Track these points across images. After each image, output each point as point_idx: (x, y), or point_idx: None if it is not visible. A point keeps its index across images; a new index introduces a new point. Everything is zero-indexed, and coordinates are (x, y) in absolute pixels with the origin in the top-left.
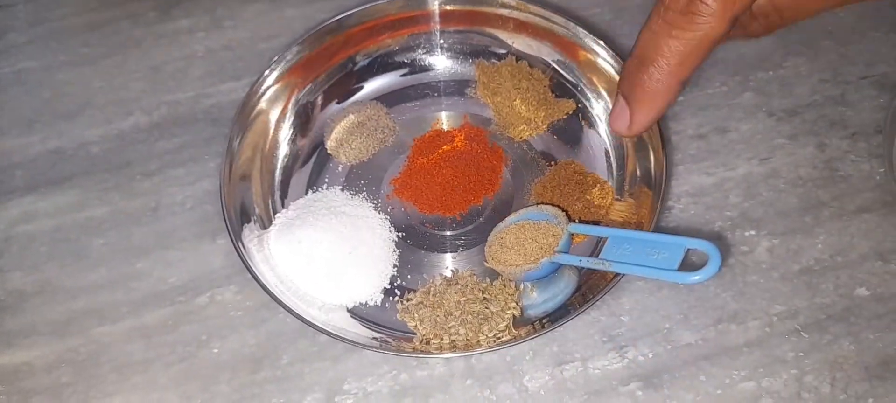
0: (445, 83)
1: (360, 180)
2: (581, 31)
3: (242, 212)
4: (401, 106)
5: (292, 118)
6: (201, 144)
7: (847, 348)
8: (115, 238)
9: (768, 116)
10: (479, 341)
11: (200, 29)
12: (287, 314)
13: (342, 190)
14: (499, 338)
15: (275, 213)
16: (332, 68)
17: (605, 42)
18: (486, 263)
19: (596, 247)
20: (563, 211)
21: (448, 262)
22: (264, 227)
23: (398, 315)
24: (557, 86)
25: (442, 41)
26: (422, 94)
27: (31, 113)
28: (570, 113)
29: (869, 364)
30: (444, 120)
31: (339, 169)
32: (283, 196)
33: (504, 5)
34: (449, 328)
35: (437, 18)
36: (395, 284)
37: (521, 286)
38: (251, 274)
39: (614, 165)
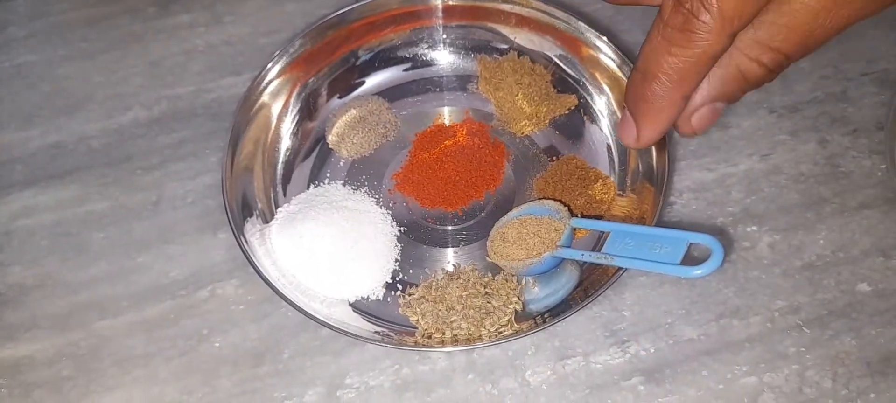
0: (447, 78)
1: (362, 175)
2: (583, 27)
3: (244, 206)
4: (402, 101)
5: (294, 112)
6: (201, 139)
7: (849, 343)
8: (115, 232)
9: (769, 113)
10: (480, 335)
11: (200, 24)
12: (289, 308)
13: (344, 184)
14: (500, 333)
15: (277, 207)
16: (333, 62)
17: (607, 38)
18: (487, 258)
19: (598, 242)
20: (565, 205)
21: (450, 257)
22: (266, 221)
23: (400, 309)
24: (559, 81)
25: (444, 36)
26: (423, 89)
27: (30, 107)
28: (572, 108)
29: (870, 360)
30: (446, 115)
31: (341, 163)
32: (285, 190)
33: (507, 0)
34: (451, 322)
35: (439, 13)
36: (397, 279)
37: (523, 280)
38: (253, 267)
39: (616, 161)
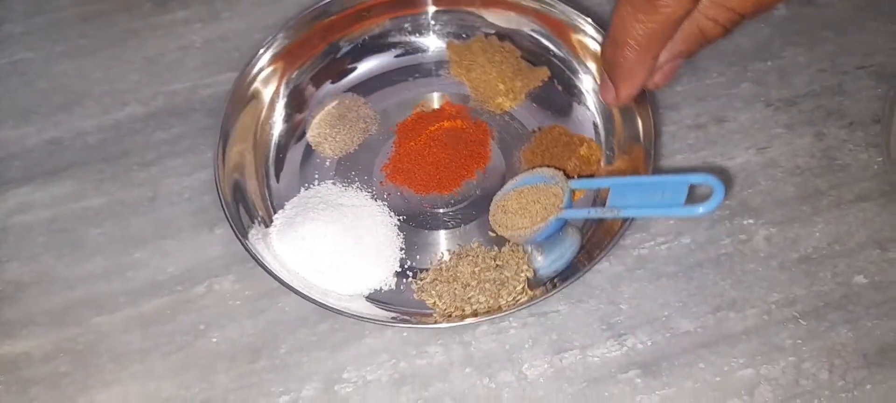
0: (418, 67)
1: (350, 171)
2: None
3: (242, 202)
4: (377, 94)
5: (280, 107)
6: (198, 134)
7: (845, 335)
8: (112, 228)
9: (766, 106)
10: (499, 306)
11: (197, 20)
12: (286, 303)
13: (334, 183)
14: (518, 301)
15: (271, 201)
16: (305, 64)
17: (569, 5)
18: (491, 233)
19: (593, 203)
20: (559, 170)
21: (453, 237)
22: (263, 222)
23: (415, 294)
24: (529, 55)
25: (408, 26)
26: (396, 81)
27: (27, 103)
28: (546, 80)
29: (867, 352)
30: (424, 102)
31: (328, 163)
32: (278, 176)
33: None
34: (469, 298)
35: (407, 4)
36: (406, 266)
37: (529, 248)
38: (268, 271)
39: (600, 124)
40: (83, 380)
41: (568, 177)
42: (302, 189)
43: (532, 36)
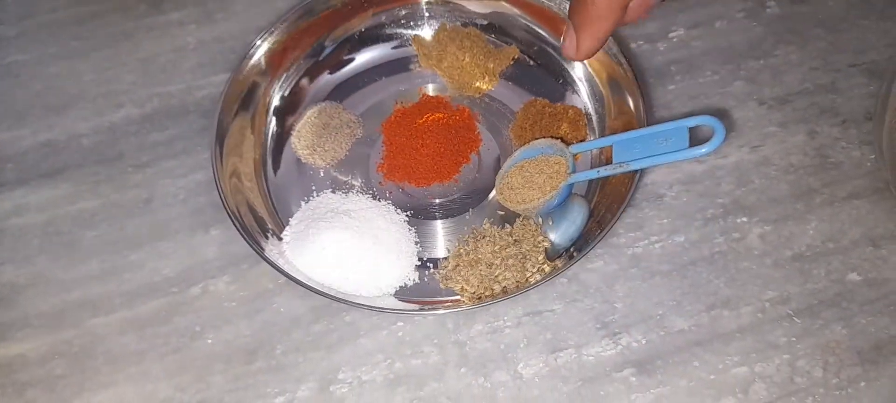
0: (387, 65)
1: (346, 177)
2: None
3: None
4: (352, 98)
5: (268, 115)
6: (193, 136)
7: (839, 332)
8: (107, 230)
9: (759, 104)
10: (527, 279)
11: (191, 21)
12: (281, 304)
13: (333, 192)
14: (544, 270)
15: (274, 204)
16: (281, 76)
17: None
18: (499, 212)
19: (597, 164)
20: (556, 139)
21: (463, 223)
22: (277, 236)
23: (441, 283)
24: (493, 36)
25: (362, 29)
26: (367, 82)
27: (21, 106)
28: (516, 58)
29: (861, 349)
30: (401, 99)
31: (321, 173)
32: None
33: None
34: (497, 277)
35: (366, 4)
36: (424, 259)
37: (540, 220)
38: (295, 281)
39: (585, 91)
40: (79, 383)
41: (566, 143)
42: (302, 202)
43: (491, 18)
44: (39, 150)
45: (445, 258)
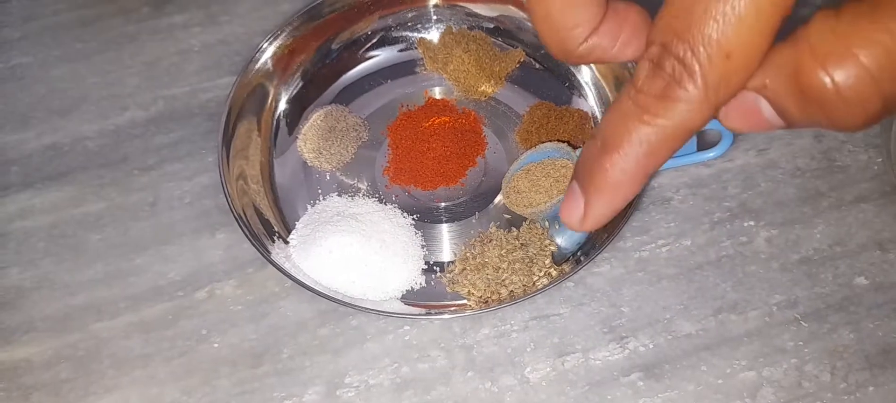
0: (392, 68)
1: (353, 180)
2: None
3: (247, 206)
4: (358, 101)
5: (273, 120)
6: (198, 139)
7: (847, 337)
8: (112, 233)
9: None
10: (534, 283)
11: (195, 24)
12: (287, 307)
13: (339, 195)
14: (551, 274)
15: (280, 208)
16: (287, 78)
17: None
18: (506, 215)
19: None
20: (563, 142)
21: (470, 226)
22: (283, 239)
23: (447, 287)
24: (499, 39)
25: (368, 32)
26: (372, 85)
27: (25, 108)
28: (521, 61)
29: (869, 353)
30: (406, 101)
31: (328, 177)
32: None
33: None
34: (503, 281)
35: (373, 7)
36: (430, 263)
37: (546, 223)
38: (304, 285)
39: (591, 95)
40: (85, 387)
41: (573, 146)
42: (308, 205)
43: (497, 21)
44: (44, 153)
45: (452, 262)
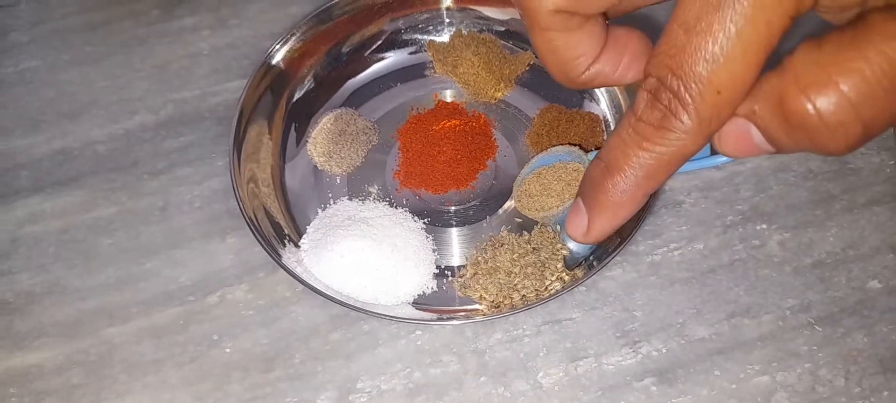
0: (402, 71)
1: (363, 184)
2: None
3: (258, 209)
4: (368, 105)
5: (284, 125)
6: (209, 143)
7: (861, 341)
8: (123, 238)
9: None
10: (546, 287)
11: (205, 27)
12: (299, 312)
13: (349, 199)
14: (563, 279)
15: (293, 215)
16: (298, 82)
17: None
18: (517, 219)
19: None
20: (574, 146)
21: (480, 230)
22: (294, 243)
23: (459, 292)
24: (508, 42)
25: (378, 35)
26: (382, 88)
27: (35, 113)
28: (531, 63)
29: (883, 357)
30: (416, 105)
31: (338, 181)
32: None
33: None
34: (516, 285)
35: (383, 10)
36: (442, 267)
37: (558, 227)
38: (311, 288)
39: (602, 97)
40: (96, 392)
41: (584, 150)
42: (319, 209)
43: (506, 23)
44: (54, 157)
45: (463, 266)
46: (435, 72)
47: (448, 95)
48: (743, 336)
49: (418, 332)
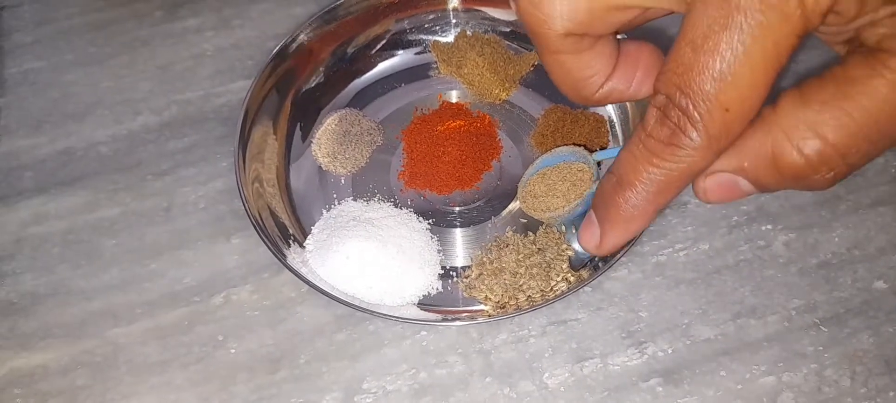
0: (406, 72)
1: (368, 184)
2: None
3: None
4: (372, 105)
5: (288, 126)
6: (213, 143)
7: (866, 341)
8: (127, 238)
9: None
10: (552, 288)
11: (208, 28)
12: (304, 312)
13: (354, 200)
14: (568, 280)
15: (296, 214)
16: (303, 82)
17: None
18: (522, 220)
19: None
20: (579, 146)
21: (485, 231)
22: (299, 243)
23: (464, 293)
24: (512, 42)
25: (383, 35)
26: (386, 89)
27: (39, 113)
28: (535, 64)
29: (889, 358)
30: (420, 105)
31: (343, 181)
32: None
33: None
34: (521, 286)
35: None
36: (446, 267)
37: (563, 228)
38: (317, 289)
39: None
40: (101, 393)
41: (589, 150)
42: (324, 210)
43: (509, 24)
44: (58, 158)
45: (467, 267)
46: (439, 72)
47: (453, 96)
48: (748, 336)
49: (424, 333)
